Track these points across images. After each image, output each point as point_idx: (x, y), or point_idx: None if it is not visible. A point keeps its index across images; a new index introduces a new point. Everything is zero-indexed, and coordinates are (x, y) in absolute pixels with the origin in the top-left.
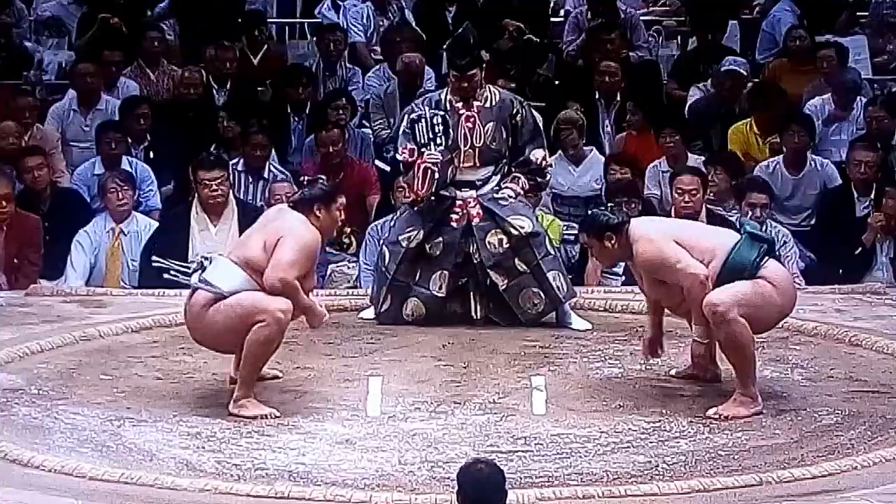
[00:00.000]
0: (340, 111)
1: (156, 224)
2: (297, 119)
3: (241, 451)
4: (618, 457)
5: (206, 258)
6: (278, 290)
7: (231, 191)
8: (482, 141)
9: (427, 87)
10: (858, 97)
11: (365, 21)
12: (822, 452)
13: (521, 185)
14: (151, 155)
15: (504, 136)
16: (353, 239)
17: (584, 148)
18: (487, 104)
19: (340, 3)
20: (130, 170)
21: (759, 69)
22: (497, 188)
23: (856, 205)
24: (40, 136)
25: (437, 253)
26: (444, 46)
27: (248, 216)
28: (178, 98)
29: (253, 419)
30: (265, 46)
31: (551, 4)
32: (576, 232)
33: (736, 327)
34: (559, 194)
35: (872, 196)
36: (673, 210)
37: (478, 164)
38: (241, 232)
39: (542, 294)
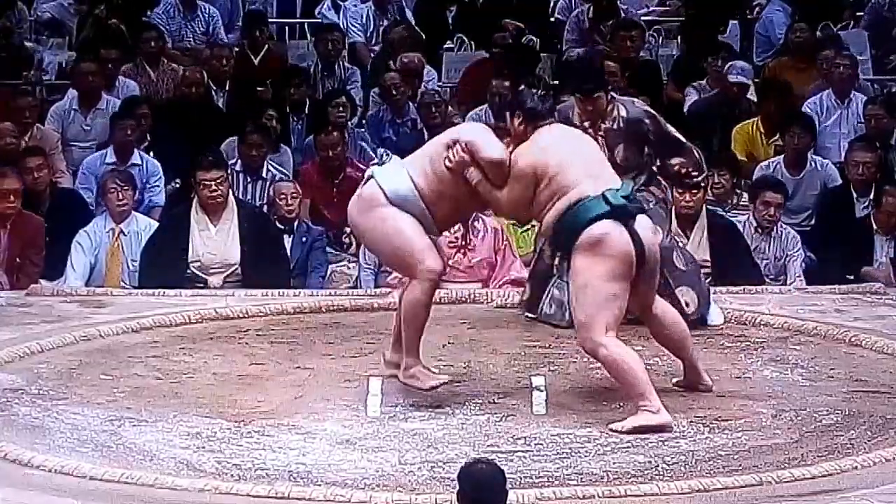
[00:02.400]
0: (340, 109)
1: (156, 224)
2: (296, 119)
3: (242, 451)
4: (618, 457)
5: (388, 153)
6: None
7: (231, 191)
8: (613, 162)
9: (427, 87)
10: (856, 93)
11: (365, 21)
12: (822, 452)
13: (657, 192)
14: (151, 155)
15: (637, 151)
16: (352, 239)
17: None
18: (615, 125)
19: (340, 3)
20: (140, 163)
21: (759, 70)
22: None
23: (855, 205)
24: (40, 136)
25: None
26: (568, 70)
27: (248, 216)
28: (179, 98)
29: (428, 391)
30: (266, 47)
31: (551, 4)
32: None
33: (604, 354)
34: None
35: (872, 196)
36: (674, 209)
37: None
38: (241, 232)
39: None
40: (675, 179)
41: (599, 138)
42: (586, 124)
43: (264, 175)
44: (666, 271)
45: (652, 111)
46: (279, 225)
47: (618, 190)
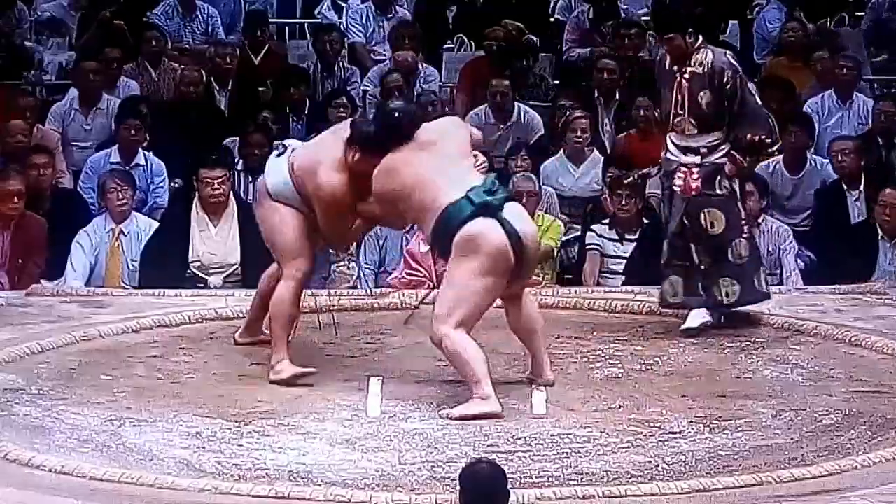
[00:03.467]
0: (341, 109)
1: (156, 224)
2: (296, 119)
3: (242, 451)
4: (618, 457)
5: (284, 144)
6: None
7: (232, 191)
8: (697, 107)
9: (424, 86)
10: (858, 94)
11: (365, 21)
12: (822, 452)
13: (729, 167)
14: (151, 154)
15: (717, 101)
16: None
17: (586, 149)
18: (700, 69)
19: (341, 3)
20: (145, 163)
21: (757, 70)
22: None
23: (847, 198)
24: (41, 136)
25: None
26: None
27: (248, 216)
28: (179, 97)
29: (291, 383)
30: (266, 47)
31: (551, 4)
32: (576, 233)
33: (446, 344)
34: (559, 195)
35: (862, 187)
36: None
37: (697, 131)
38: (241, 232)
39: (739, 285)
40: (750, 148)
41: (684, 81)
42: (674, 68)
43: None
44: (726, 256)
45: (738, 67)
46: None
47: (480, 186)
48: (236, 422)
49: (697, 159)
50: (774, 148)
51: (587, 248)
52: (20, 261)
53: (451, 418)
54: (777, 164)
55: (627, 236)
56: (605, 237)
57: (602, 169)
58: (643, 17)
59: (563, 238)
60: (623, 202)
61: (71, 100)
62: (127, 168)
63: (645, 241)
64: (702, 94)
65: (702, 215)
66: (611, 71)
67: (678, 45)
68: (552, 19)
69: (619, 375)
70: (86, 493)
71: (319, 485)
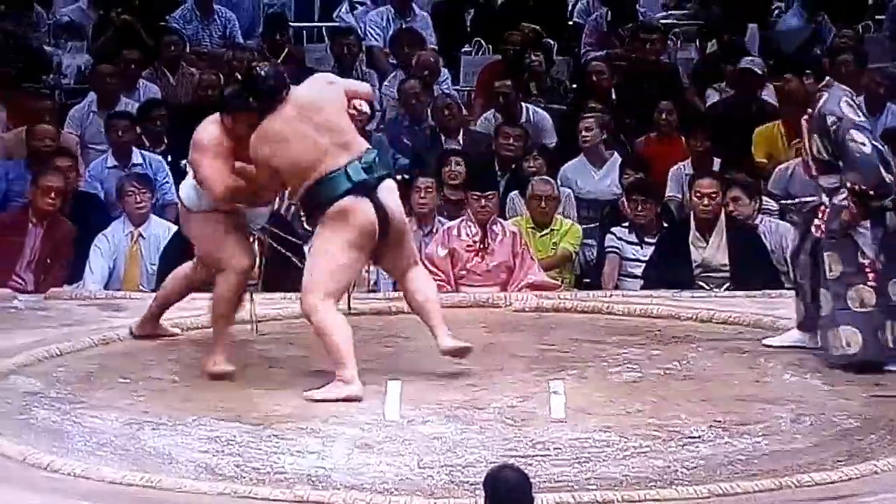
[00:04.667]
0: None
1: (174, 227)
2: None
3: (260, 454)
4: (636, 461)
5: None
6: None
7: None
8: (811, 149)
9: (443, 88)
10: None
11: (384, 25)
12: (841, 456)
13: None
14: (169, 158)
15: (825, 148)
16: None
17: (606, 151)
18: (816, 112)
19: (358, 6)
20: (143, 162)
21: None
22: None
23: None
24: (60, 139)
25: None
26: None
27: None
28: (197, 101)
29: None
30: (285, 50)
31: (569, 7)
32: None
33: (316, 317)
34: (578, 196)
35: None
36: (692, 213)
37: (817, 173)
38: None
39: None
40: (858, 195)
41: (804, 123)
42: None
43: None
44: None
45: (845, 114)
46: (307, 228)
47: (360, 159)
48: (255, 425)
49: (827, 201)
50: (887, 201)
51: (606, 250)
52: (48, 261)
53: (310, 400)
54: (796, 167)
55: (647, 239)
56: (624, 240)
57: (619, 171)
58: (661, 21)
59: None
60: (639, 207)
61: (89, 103)
62: (125, 170)
63: (664, 245)
64: (814, 137)
65: (822, 257)
66: (600, 73)
67: (795, 87)
68: (570, 22)
69: (638, 379)
70: (105, 497)
71: (338, 488)
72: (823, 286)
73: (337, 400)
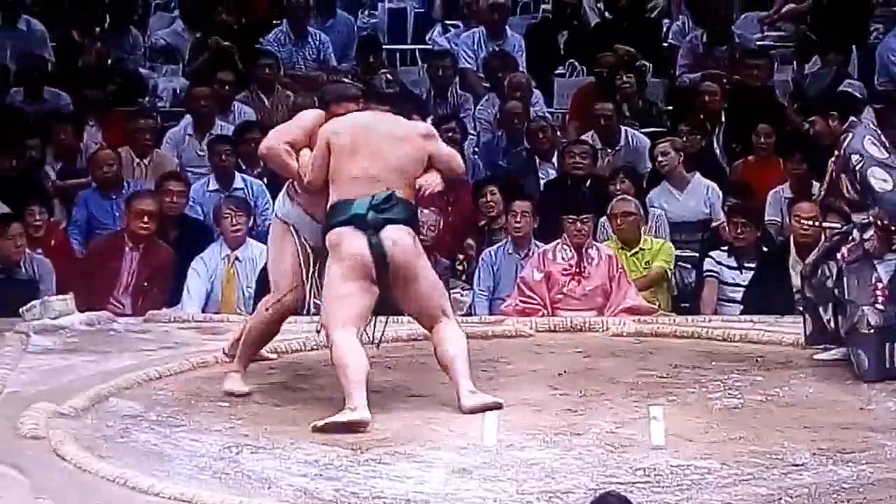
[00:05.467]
0: (450, 133)
1: None
2: None
3: (359, 479)
4: (739, 489)
5: None
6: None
7: None
8: (842, 189)
9: (536, 110)
10: None
11: (476, 47)
12: None
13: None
14: (265, 180)
15: (853, 187)
16: (465, 266)
17: (687, 174)
18: (842, 152)
19: (451, 28)
20: (245, 186)
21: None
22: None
23: None
24: (158, 160)
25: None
26: None
27: None
28: None
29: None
30: (380, 72)
31: (664, 29)
32: (692, 260)
33: (331, 349)
34: (669, 220)
35: None
36: (792, 237)
37: (850, 210)
38: None
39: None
40: (876, 227)
41: (830, 163)
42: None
43: None
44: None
45: (870, 153)
46: None
47: (374, 197)
48: (353, 449)
49: (857, 233)
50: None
51: (705, 274)
52: (146, 284)
53: (318, 430)
54: None
55: (746, 264)
56: (723, 264)
57: (722, 196)
58: (758, 42)
59: (680, 264)
60: (739, 230)
61: (185, 126)
62: (227, 194)
63: (764, 269)
64: (842, 177)
65: (843, 280)
66: (712, 93)
67: (821, 128)
68: (665, 44)
69: (739, 406)
70: None
71: None
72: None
73: (340, 423)
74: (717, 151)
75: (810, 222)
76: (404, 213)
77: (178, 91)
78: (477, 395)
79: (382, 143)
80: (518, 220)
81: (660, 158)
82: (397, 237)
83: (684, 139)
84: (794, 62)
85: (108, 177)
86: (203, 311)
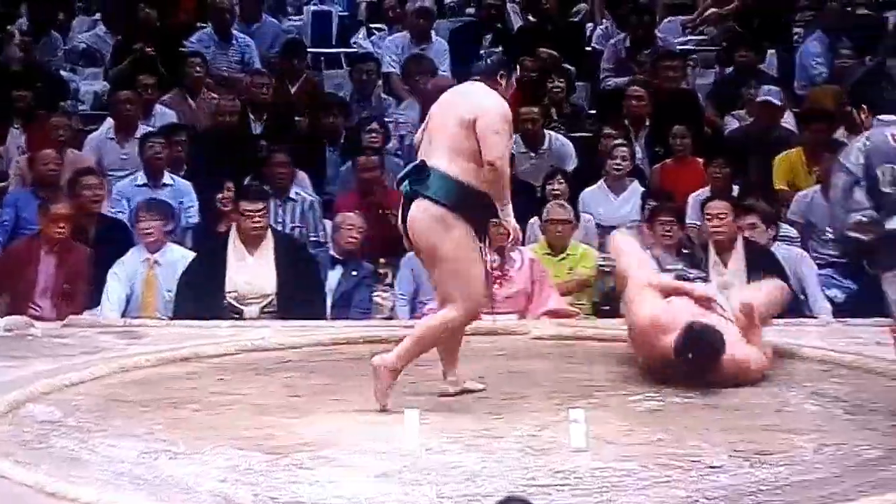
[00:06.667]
0: (374, 135)
1: (191, 254)
2: (332, 149)
3: (278, 483)
4: (658, 491)
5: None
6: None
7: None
8: None
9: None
10: None
11: (400, 51)
12: (864, 487)
13: None
14: (190, 183)
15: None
16: (388, 270)
17: (627, 178)
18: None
19: (376, 31)
20: (173, 183)
21: (800, 100)
22: None
23: None
24: (73, 158)
25: None
26: None
27: (284, 246)
28: (216, 127)
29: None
30: (303, 76)
31: (588, 33)
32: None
33: None
34: (598, 223)
35: None
36: (708, 237)
37: None
38: (277, 263)
39: None
40: None
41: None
42: None
43: (293, 196)
44: None
45: (842, 156)
46: (334, 255)
47: (406, 167)
48: (274, 454)
49: None
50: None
51: None
52: (65, 287)
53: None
54: (815, 194)
55: (667, 267)
56: None
57: (642, 199)
58: (680, 47)
59: (600, 267)
60: (668, 228)
61: (106, 129)
62: (154, 188)
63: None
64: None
65: None
66: (639, 98)
67: (856, 120)
68: (589, 48)
69: (659, 408)
70: None
71: None
72: None
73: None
74: (641, 155)
75: (722, 219)
76: (434, 187)
77: (99, 94)
78: (381, 363)
79: (442, 116)
80: None
81: (618, 161)
82: (414, 213)
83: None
84: (716, 66)
85: (50, 176)
86: (123, 315)
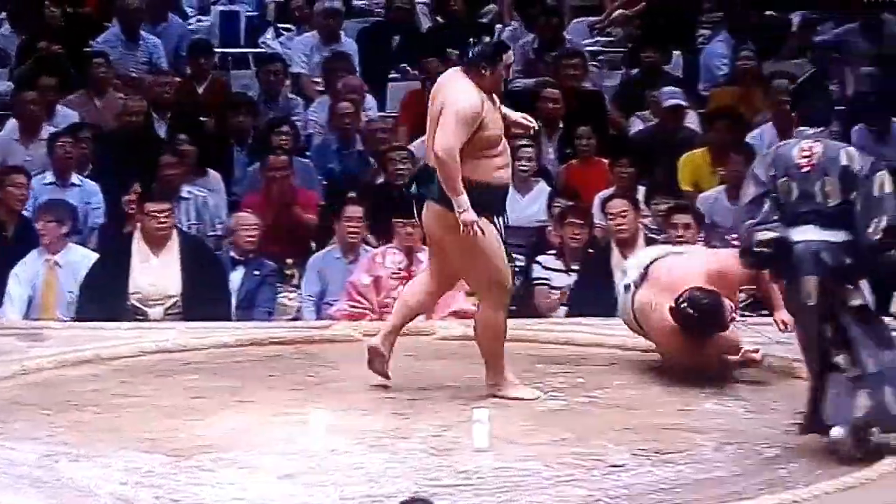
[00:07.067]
0: (283, 136)
1: (94, 255)
2: (240, 149)
3: (180, 485)
4: (560, 490)
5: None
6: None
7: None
8: None
9: (368, 114)
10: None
11: (309, 51)
12: (762, 486)
13: None
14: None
15: None
16: (295, 271)
17: (532, 179)
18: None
19: (284, 32)
20: (80, 184)
21: (705, 100)
22: None
23: None
24: None
25: None
26: None
27: (189, 247)
28: (121, 127)
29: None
30: (210, 76)
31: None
32: (521, 263)
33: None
34: (505, 224)
35: None
36: (611, 235)
37: None
38: (182, 264)
39: None
40: None
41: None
42: None
43: (185, 196)
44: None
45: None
46: (234, 256)
47: (425, 168)
48: (176, 456)
49: None
50: None
51: (535, 282)
52: None
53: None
54: (720, 195)
55: (573, 266)
56: (551, 269)
57: (549, 199)
58: (588, 48)
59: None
60: (576, 230)
61: (10, 130)
62: (63, 187)
63: (588, 272)
64: None
65: None
66: (554, 100)
67: None
68: None
69: (563, 408)
70: None
71: None
72: None
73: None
74: (553, 156)
75: (624, 217)
76: (435, 189)
77: (2, 94)
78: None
79: (430, 114)
80: (352, 225)
81: (524, 163)
82: (425, 219)
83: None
84: (624, 67)
85: None
86: (25, 317)
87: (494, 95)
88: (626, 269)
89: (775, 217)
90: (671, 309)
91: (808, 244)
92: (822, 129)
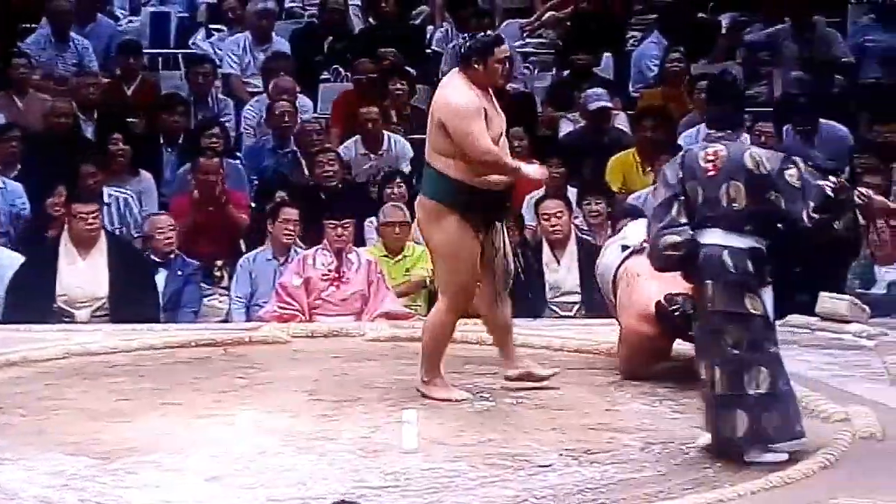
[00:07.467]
0: (213, 139)
1: (20, 258)
2: (170, 150)
3: (105, 488)
4: (487, 491)
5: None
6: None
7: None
8: None
9: (303, 115)
10: None
11: (241, 52)
12: (688, 485)
13: None
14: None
15: None
16: (224, 272)
17: None
18: None
19: (215, 33)
20: (3, 186)
21: (634, 101)
22: None
23: None
24: None
25: None
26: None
27: (117, 249)
28: (47, 128)
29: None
30: (139, 77)
31: (428, 36)
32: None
33: None
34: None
35: None
36: (543, 236)
37: None
38: (110, 266)
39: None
40: None
41: None
42: None
43: (106, 200)
44: None
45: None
46: (155, 258)
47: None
48: (101, 459)
49: None
50: None
51: None
52: None
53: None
54: (648, 195)
55: None
56: None
57: None
58: (519, 50)
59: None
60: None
61: None
62: None
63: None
64: None
65: None
66: None
67: None
68: (429, 51)
69: (490, 408)
70: None
71: None
72: None
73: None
74: None
75: (559, 218)
76: (426, 185)
77: None
78: (420, 387)
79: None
80: (288, 227)
81: None
82: (416, 210)
83: None
84: (554, 68)
85: None
86: None
87: (495, 99)
88: (627, 233)
89: (683, 220)
90: (657, 304)
91: (712, 248)
92: (728, 131)
